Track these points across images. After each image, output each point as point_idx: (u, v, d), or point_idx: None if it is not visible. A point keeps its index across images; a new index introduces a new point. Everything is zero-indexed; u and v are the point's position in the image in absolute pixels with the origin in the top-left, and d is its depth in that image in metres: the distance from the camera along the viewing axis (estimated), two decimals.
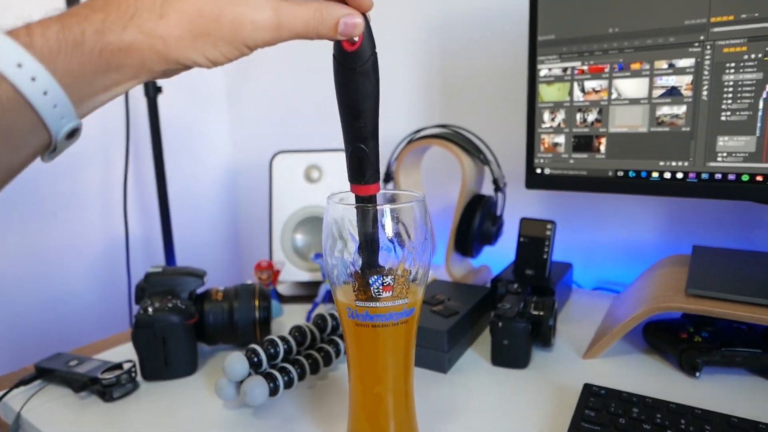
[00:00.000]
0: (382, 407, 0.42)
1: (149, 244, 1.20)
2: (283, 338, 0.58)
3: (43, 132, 0.25)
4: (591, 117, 0.68)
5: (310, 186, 0.89)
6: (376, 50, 0.34)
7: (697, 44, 0.60)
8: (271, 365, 0.56)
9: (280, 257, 0.88)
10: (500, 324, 0.61)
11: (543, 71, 0.70)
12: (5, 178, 0.27)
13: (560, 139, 0.71)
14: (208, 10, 0.28)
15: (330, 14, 0.31)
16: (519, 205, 0.95)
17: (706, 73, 0.60)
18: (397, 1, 1.03)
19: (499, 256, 0.95)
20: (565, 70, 0.69)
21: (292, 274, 0.88)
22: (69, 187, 1.06)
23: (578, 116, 0.69)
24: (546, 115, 0.71)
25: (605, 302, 0.80)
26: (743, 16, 0.57)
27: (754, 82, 0.58)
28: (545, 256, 0.79)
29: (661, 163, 0.65)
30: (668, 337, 0.62)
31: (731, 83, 0.59)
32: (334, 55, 0.34)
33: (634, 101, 0.65)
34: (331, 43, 0.34)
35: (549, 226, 0.80)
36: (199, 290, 0.69)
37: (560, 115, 0.70)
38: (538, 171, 0.73)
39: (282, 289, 0.91)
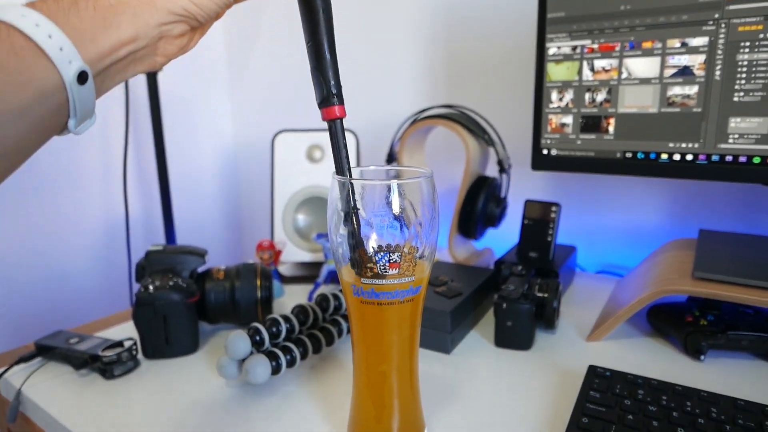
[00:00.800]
0: (387, 386, 0.41)
1: (150, 223, 1.20)
2: (285, 317, 0.57)
3: (55, 76, 0.26)
4: (600, 97, 0.67)
5: (312, 166, 0.88)
6: None
7: (711, 22, 0.59)
8: (273, 344, 0.55)
9: (282, 237, 0.87)
10: (504, 305, 0.61)
11: (552, 50, 0.69)
12: (34, 139, 0.28)
13: (568, 119, 0.70)
14: None
15: None
16: (523, 188, 0.94)
17: (719, 52, 0.59)
18: None
19: (502, 238, 0.95)
20: (574, 48, 0.67)
21: (293, 254, 0.87)
22: (69, 165, 1.05)
23: (587, 96, 0.68)
24: (554, 95, 0.70)
25: (609, 286, 0.79)
26: None
27: None
28: (549, 239, 0.78)
29: (671, 145, 0.64)
30: (673, 321, 0.62)
31: (745, 63, 0.58)
32: None
33: (645, 81, 0.64)
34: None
35: (554, 208, 0.79)
36: (201, 269, 0.68)
37: (568, 95, 0.69)
38: (545, 152, 0.72)
39: (284, 269, 0.91)
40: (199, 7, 0.30)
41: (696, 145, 0.62)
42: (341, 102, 0.37)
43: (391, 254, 0.36)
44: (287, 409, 0.51)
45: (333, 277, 0.80)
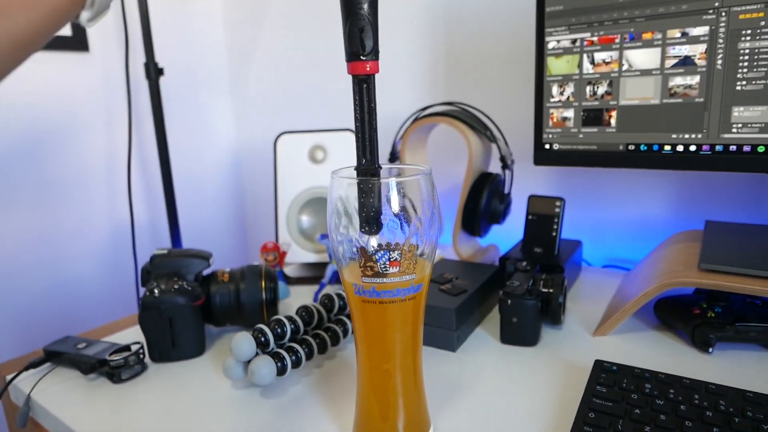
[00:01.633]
0: (391, 384, 0.41)
1: (155, 228, 1.20)
2: (290, 318, 0.57)
3: None
4: (601, 90, 0.66)
5: (314, 167, 0.88)
6: None
7: (711, 11, 0.58)
8: (278, 345, 0.56)
9: (286, 239, 0.87)
10: (509, 301, 0.60)
11: (551, 43, 0.68)
12: (46, 27, 0.27)
13: (569, 113, 0.69)
14: None
15: None
16: (527, 183, 0.94)
17: (720, 41, 0.58)
18: None
19: (507, 235, 0.95)
20: (574, 41, 0.67)
21: (298, 255, 0.88)
22: (74, 173, 1.06)
23: (588, 89, 0.67)
24: (554, 89, 0.70)
25: (615, 280, 0.79)
26: None
27: None
28: (554, 234, 0.78)
29: (674, 136, 0.63)
30: (680, 314, 0.61)
31: (747, 51, 0.57)
32: None
33: (646, 72, 0.63)
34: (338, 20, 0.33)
35: (558, 203, 0.79)
36: (206, 272, 0.68)
37: (569, 89, 0.69)
38: (547, 147, 0.72)
39: (289, 270, 0.91)
40: None
41: (699, 136, 0.62)
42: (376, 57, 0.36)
43: (391, 252, 0.36)
44: (294, 410, 0.51)
45: (338, 278, 0.81)
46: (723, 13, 0.58)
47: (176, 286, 0.62)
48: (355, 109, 0.37)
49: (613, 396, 0.47)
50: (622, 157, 0.67)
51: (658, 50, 0.62)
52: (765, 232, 0.68)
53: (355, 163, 0.38)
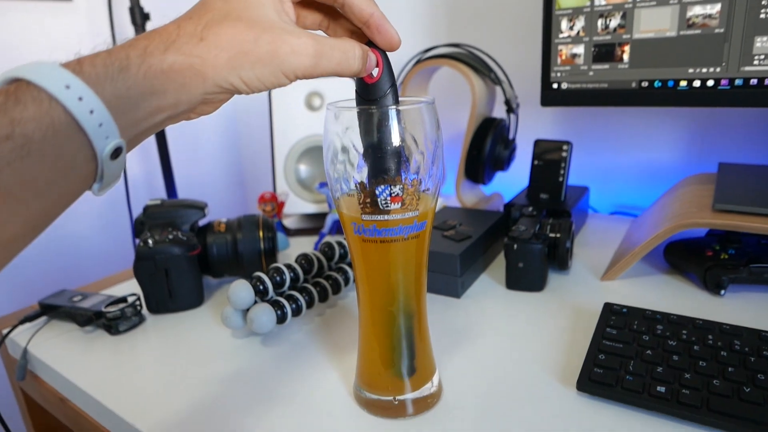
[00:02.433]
0: (395, 328, 0.40)
1: (151, 184, 1.18)
2: (289, 266, 0.55)
3: (88, 150, 0.25)
4: (614, 23, 0.62)
5: (311, 114, 0.85)
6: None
7: None
8: (277, 293, 0.54)
9: (284, 189, 0.85)
10: (515, 246, 0.58)
11: None
12: (58, 209, 0.27)
13: (579, 49, 0.65)
14: (247, 31, 0.28)
15: (364, 48, 0.32)
16: (533, 128, 0.90)
17: None
18: None
19: (512, 182, 0.92)
20: None
21: (297, 206, 0.85)
22: None
23: (599, 22, 0.63)
24: (564, 24, 0.65)
25: (623, 226, 0.77)
26: None
27: None
28: (561, 179, 0.75)
29: (691, 71, 0.59)
30: (692, 257, 0.60)
31: None
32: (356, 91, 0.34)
33: (662, 2, 0.59)
34: None
35: (565, 147, 0.75)
36: (201, 223, 0.66)
37: (579, 23, 0.64)
38: (555, 86, 0.68)
39: (288, 222, 0.89)
40: (247, 85, 0.29)
41: (718, 69, 0.58)
42: None
43: (392, 187, 0.34)
44: (294, 358, 0.50)
45: (338, 227, 0.78)
46: None
47: (171, 236, 0.60)
48: None
49: (623, 338, 0.46)
50: (635, 94, 0.63)
51: None
52: None
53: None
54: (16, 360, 0.58)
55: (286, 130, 0.85)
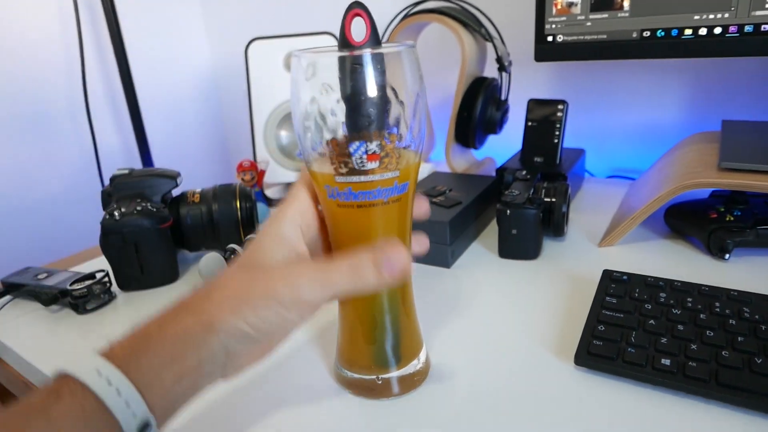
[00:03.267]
0: (377, 302, 0.36)
1: (129, 155, 1.12)
2: None
3: (115, 428, 0.26)
4: None
5: None
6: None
7: None
8: None
9: (264, 156, 0.80)
10: (508, 211, 0.55)
11: None
12: None
13: None
14: (247, 282, 0.30)
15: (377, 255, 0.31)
16: (526, 87, 0.86)
17: None
18: None
19: (504, 146, 0.88)
20: None
21: (278, 174, 0.81)
22: (32, 103, 0.96)
23: None
24: None
25: (621, 190, 0.73)
26: None
27: None
28: (556, 141, 0.71)
29: (696, 17, 0.55)
30: (695, 219, 0.56)
31: None
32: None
33: None
34: None
35: (560, 106, 0.71)
36: (175, 193, 0.62)
37: None
38: (550, 39, 0.63)
39: (270, 192, 0.84)
40: (252, 327, 0.29)
41: (726, 15, 0.53)
42: None
43: (368, 144, 0.30)
44: None
45: None
46: None
47: (139, 208, 0.56)
48: None
49: (624, 307, 0.42)
50: (636, 46, 0.59)
51: None
52: None
53: None
54: None
55: (265, 95, 0.80)
